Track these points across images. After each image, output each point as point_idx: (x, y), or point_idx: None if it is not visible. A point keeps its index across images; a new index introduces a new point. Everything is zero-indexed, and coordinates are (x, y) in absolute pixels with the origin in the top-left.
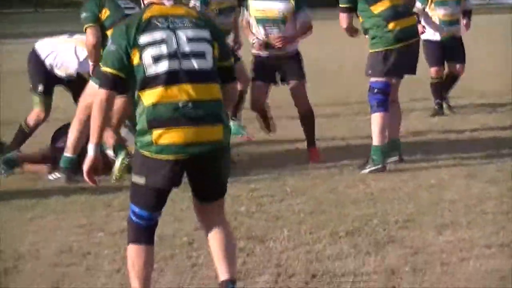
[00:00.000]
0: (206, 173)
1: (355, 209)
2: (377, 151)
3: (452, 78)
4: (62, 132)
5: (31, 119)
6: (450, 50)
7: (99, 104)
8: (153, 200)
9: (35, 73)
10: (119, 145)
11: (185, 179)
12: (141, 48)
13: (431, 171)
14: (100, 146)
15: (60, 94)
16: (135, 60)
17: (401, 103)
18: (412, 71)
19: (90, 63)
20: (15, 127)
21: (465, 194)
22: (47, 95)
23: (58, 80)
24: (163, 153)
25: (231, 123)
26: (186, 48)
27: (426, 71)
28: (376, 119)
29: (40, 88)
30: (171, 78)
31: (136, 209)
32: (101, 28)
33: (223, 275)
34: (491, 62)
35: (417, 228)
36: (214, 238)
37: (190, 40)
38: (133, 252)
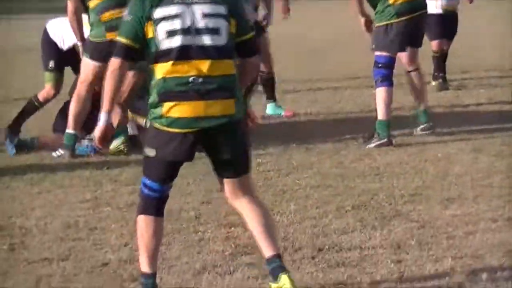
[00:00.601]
0: (220, 147)
1: (361, 183)
2: (382, 125)
3: (443, 56)
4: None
5: (41, 95)
6: (447, 25)
7: (111, 73)
8: (164, 173)
9: (46, 51)
10: (122, 129)
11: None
12: (156, 22)
13: (438, 145)
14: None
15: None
16: (149, 33)
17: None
18: (416, 44)
19: (79, 43)
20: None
21: (471, 168)
22: (57, 72)
23: (69, 59)
24: (173, 126)
25: (269, 105)
26: (201, 23)
27: (428, 45)
28: (381, 93)
29: (51, 64)
30: (183, 53)
31: (147, 181)
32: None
33: (267, 252)
34: (495, 36)
35: (423, 202)
36: (250, 218)
37: (205, 15)
38: (143, 223)
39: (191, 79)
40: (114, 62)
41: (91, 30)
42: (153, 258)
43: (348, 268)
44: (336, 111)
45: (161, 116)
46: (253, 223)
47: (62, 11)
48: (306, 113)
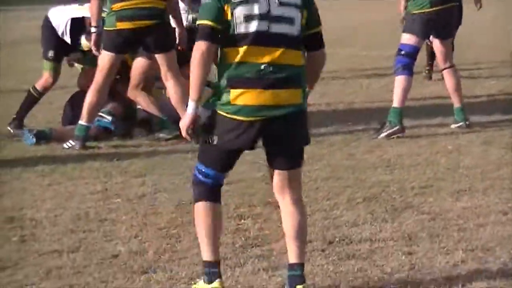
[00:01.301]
0: (281, 137)
1: (372, 175)
2: (396, 112)
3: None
4: (76, 99)
5: (40, 84)
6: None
7: (198, 57)
8: (223, 161)
9: (46, 40)
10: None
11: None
12: (234, 5)
13: (448, 137)
14: (130, 109)
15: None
16: (227, 16)
17: (419, 69)
18: (445, 35)
19: (93, 30)
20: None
21: (482, 160)
22: (56, 61)
23: (69, 49)
24: (239, 114)
25: None
26: (277, 11)
27: None
28: (400, 81)
29: (51, 54)
30: (257, 39)
31: (203, 168)
32: None
33: (292, 258)
34: (508, 27)
35: (434, 194)
36: (288, 217)
37: (281, 4)
38: (200, 210)
39: (262, 66)
40: (201, 46)
41: (105, 21)
42: (214, 245)
43: (358, 261)
44: (346, 103)
45: (227, 103)
46: (288, 225)
47: (66, 0)
48: (316, 105)
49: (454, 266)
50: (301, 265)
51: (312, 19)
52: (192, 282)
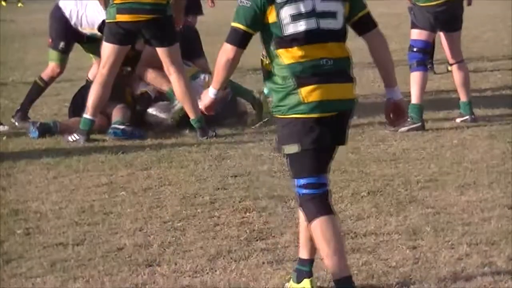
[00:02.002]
0: (341, 132)
1: (377, 169)
2: (415, 109)
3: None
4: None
5: (46, 74)
6: None
7: (225, 60)
8: (316, 162)
9: (57, 29)
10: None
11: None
12: (279, 6)
13: (453, 131)
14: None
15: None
16: (271, 18)
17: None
18: (451, 28)
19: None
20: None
21: (487, 154)
22: (66, 52)
23: (78, 38)
24: (315, 112)
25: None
26: (321, 7)
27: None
28: (415, 77)
29: (62, 45)
30: (310, 37)
31: (303, 181)
32: None
33: (304, 253)
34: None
35: (439, 188)
36: None
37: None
38: (320, 226)
39: (323, 61)
40: (229, 50)
41: (106, 13)
42: (343, 260)
43: (363, 254)
44: None
45: (299, 104)
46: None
47: None
48: None
49: (459, 260)
50: (312, 262)
51: (356, 5)
52: (197, 275)
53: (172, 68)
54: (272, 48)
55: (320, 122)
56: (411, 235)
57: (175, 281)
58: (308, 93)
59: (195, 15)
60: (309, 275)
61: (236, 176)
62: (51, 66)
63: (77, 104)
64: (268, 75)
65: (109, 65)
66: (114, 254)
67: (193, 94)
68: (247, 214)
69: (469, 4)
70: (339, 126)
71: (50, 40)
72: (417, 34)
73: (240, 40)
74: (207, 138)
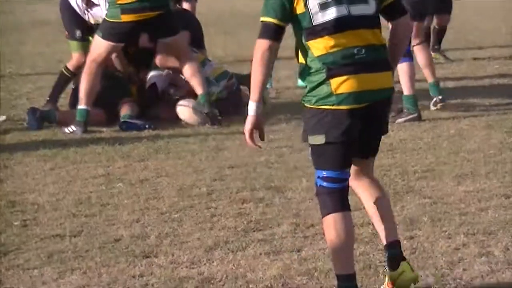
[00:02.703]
0: (376, 123)
1: None
2: (409, 100)
3: (442, 30)
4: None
5: (72, 65)
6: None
7: (260, 56)
8: (340, 157)
9: (69, 20)
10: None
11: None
12: None
13: (451, 121)
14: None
15: None
16: (299, 9)
17: None
18: (436, 10)
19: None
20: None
21: (484, 144)
22: (84, 40)
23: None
24: (344, 103)
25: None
26: None
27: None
28: (403, 68)
29: (78, 33)
30: (341, 25)
31: (324, 173)
32: None
33: (388, 237)
34: (509, 12)
35: (436, 178)
36: (370, 200)
37: None
38: (335, 222)
39: (355, 50)
40: (263, 44)
41: (107, 11)
42: (350, 258)
43: (360, 245)
44: None
45: (329, 95)
46: (373, 208)
47: None
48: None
49: (456, 250)
50: (399, 243)
51: None
52: (194, 266)
53: (181, 54)
54: (303, 40)
55: (350, 114)
56: (408, 225)
57: (172, 272)
58: (339, 84)
59: (193, 1)
60: (403, 257)
61: (233, 167)
62: (75, 57)
63: (77, 96)
64: (301, 67)
65: (100, 60)
66: (111, 246)
67: (202, 75)
68: (244, 205)
69: None
70: (374, 116)
71: (66, 33)
72: None
73: (274, 34)
74: (211, 119)
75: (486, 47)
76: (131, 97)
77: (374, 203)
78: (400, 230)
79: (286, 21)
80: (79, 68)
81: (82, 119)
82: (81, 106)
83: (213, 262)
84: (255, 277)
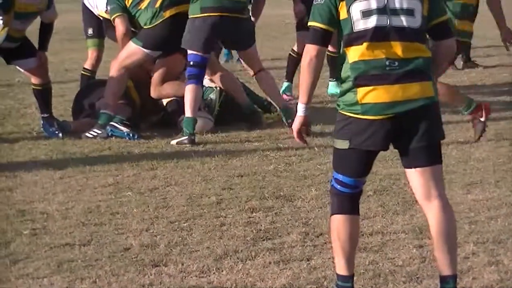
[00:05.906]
0: (416, 132)
1: (383, 168)
2: None
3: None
4: (92, 88)
5: (88, 64)
6: None
7: (308, 61)
8: (359, 165)
9: (84, 19)
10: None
11: (209, 136)
12: (350, 2)
13: (460, 129)
14: None
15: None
16: (342, 15)
17: None
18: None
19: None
20: None
21: (493, 152)
22: (98, 37)
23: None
24: (369, 114)
25: (331, 83)
26: (395, 4)
27: None
28: None
29: (90, 31)
30: (379, 35)
31: (340, 176)
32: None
33: (443, 270)
34: None
35: (445, 187)
36: (435, 224)
37: None
38: (338, 223)
39: (387, 62)
40: (311, 50)
41: (142, 20)
42: (351, 260)
43: (370, 253)
44: None
45: (354, 103)
46: (437, 233)
47: None
48: (327, 100)
49: (465, 258)
50: (453, 277)
51: (435, 9)
52: (204, 275)
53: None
54: (342, 46)
55: (375, 124)
56: (417, 234)
57: (181, 281)
58: (365, 94)
59: None
60: None
61: (242, 176)
62: (89, 54)
63: (80, 104)
64: (341, 72)
65: (132, 67)
66: (120, 255)
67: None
68: (254, 214)
69: None
70: (406, 126)
71: (84, 32)
72: None
73: (321, 39)
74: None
75: (493, 55)
76: (128, 99)
77: (441, 229)
78: (409, 238)
79: (332, 26)
80: (97, 65)
81: (106, 123)
82: (107, 111)
83: (222, 271)
84: (264, 286)
